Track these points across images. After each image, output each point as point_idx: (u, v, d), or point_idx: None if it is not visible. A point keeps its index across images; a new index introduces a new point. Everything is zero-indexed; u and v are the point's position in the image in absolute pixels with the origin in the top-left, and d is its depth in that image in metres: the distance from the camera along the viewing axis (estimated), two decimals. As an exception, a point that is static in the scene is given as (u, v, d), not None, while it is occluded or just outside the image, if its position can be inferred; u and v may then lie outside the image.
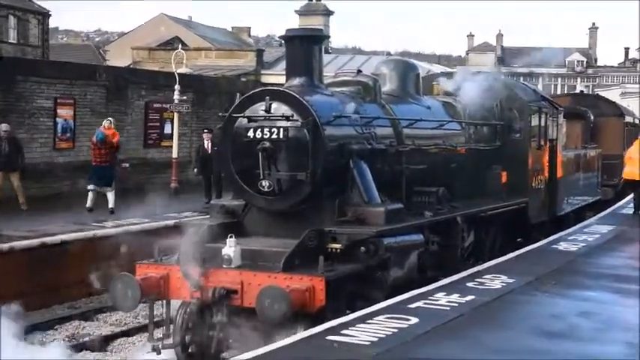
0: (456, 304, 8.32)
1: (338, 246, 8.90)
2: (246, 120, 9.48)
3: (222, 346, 8.80)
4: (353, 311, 8.26)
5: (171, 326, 9.22)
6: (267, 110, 9.31)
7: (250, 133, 9.41)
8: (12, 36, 55.26)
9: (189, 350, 9.17)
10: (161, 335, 9.27)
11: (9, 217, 16.21)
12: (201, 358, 9.04)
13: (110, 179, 18.10)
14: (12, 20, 55.50)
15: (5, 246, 13.62)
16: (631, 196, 19.46)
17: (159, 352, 9.49)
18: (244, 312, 8.55)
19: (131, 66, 36.85)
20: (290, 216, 9.44)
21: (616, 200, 21.36)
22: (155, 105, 24.72)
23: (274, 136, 9.29)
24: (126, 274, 8.95)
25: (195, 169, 20.44)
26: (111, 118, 19.72)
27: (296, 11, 42.05)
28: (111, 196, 17.95)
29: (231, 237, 8.87)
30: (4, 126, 17.99)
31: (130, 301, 8.87)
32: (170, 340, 9.22)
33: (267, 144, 9.25)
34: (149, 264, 9.20)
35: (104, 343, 11.62)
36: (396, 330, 7.21)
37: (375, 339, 6.91)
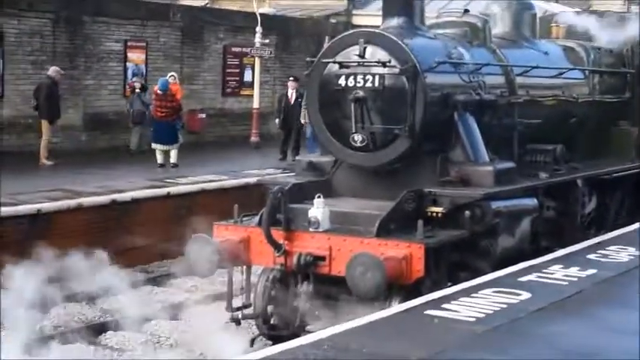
0: (575, 279, 8.18)
1: (439, 209, 8.85)
2: (337, 66, 9.45)
3: (307, 318, 8.90)
4: (455, 284, 8.21)
5: (252, 295, 9.36)
6: (361, 55, 9.26)
7: (341, 81, 9.39)
8: (78, -29, 56.32)
9: (272, 322, 9.32)
10: (240, 304, 9.41)
11: (73, 172, 16.69)
12: (284, 330, 9.16)
13: (173, 137, 18.51)
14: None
15: (73, 202, 14.02)
16: None
17: (238, 323, 9.67)
18: (333, 281, 8.62)
19: (208, 5, 37.05)
20: (385, 175, 9.44)
21: None
22: (234, 49, 24.95)
23: (369, 84, 9.25)
24: (203, 236, 9.10)
25: (277, 121, 20.59)
26: (174, 73, 20.14)
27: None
28: (174, 152, 18.34)
29: (319, 197, 8.90)
30: (57, 67, 18.51)
31: (207, 266, 9.03)
32: (250, 310, 9.38)
33: (361, 93, 9.23)
34: (228, 225, 9.33)
35: (178, 310, 11.86)
36: (504, 306, 7.15)
37: (481, 315, 6.85)
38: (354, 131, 9.29)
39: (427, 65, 9.24)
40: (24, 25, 19.56)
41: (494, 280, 8.13)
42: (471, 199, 8.92)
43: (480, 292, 7.59)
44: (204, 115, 23.60)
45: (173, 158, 18.29)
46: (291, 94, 20.23)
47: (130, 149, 20.41)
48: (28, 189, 14.68)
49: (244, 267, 9.33)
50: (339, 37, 9.84)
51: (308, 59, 10.35)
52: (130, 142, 20.51)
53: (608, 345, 6.37)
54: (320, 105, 9.72)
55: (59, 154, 18.27)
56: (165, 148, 18.37)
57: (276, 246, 8.80)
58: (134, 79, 21.16)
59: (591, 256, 9.24)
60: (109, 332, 11.10)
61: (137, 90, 20.48)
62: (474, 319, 6.75)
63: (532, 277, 8.22)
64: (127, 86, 21.52)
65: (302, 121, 19.37)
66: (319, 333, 6.62)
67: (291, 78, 20.84)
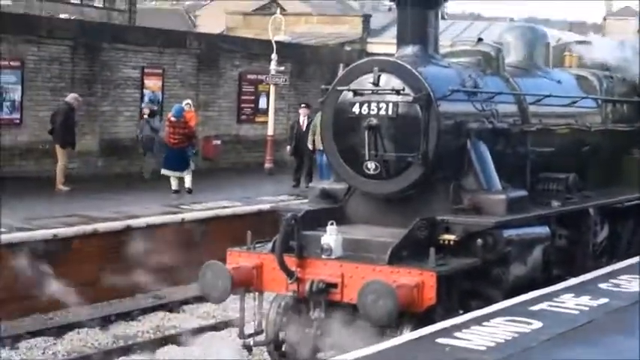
0: (587, 308, 8.13)
1: (452, 237, 8.83)
2: (351, 94, 9.47)
3: (319, 345, 8.85)
4: (467, 312, 8.17)
5: (264, 321, 9.32)
6: (376, 83, 9.28)
7: (356, 109, 9.40)
8: (98, -1, 56.77)
9: (283, 349, 9.26)
10: (252, 331, 9.38)
11: (90, 198, 16.74)
12: (295, 358, 9.11)
13: (185, 164, 18.43)
14: (98, -18, 57.00)
15: (89, 228, 14.05)
16: None
17: (250, 350, 9.65)
18: (345, 308, 8.58)
19: (224, 33, 37.33)
20: (398, 202, 9.41)
21: None
22: (250, 76, 25.04)
23: (382, 112, 9.25)
24: (216, 263, 9.08)
25: (289, 148, 20.57)
26: (189, 101, 20.18)
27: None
28: (188, 178, 18.30)
29: (331, 224, 8.88)
30: (75, 95, 18.52)
31: (219, 292, 9.01)
32: (262, 337, 9.33)
33: (375, 121, 9.22)
34: (241, 252, 9.31)
35: (191, 337, 11.84)
36: (516, 335, 7.11)
37: (493, 344, 6.82)
38: (367, 159, 9.28)
39: (441, 93, 9.24)
40: (43, 51, 19.69)
41: (505, 308, 8.08)
42: (484, 227, 8.89)
43: (491, 320, 7.55)
44: (219, 142, 23.66)
45: (187, 184, 18.27)
46: (303, 120, 20.23)
47: (144, 176, 20.29)
48: (44, 214, 14.73)
49: (257, 293, 9.31)
50: (354, 65, 9.83)
51: (323, 87, 10.37)
52: (143, 170, 20.42)
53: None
54: (334, 132, 9.72)
55: (76, 180, 18.32)
56: (175, 174, 18.32)
57: (289, 273, 8.77)
58: (144, 104, 21.05)
59: (603, 286, 9.19)
60: (121, 358, 11.08)
61: (145, 116, 20.36)
62: (485, 348, 6.72)
63: (544, 305, 8.17)
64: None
65: (310, 147, 19.37)
66: (331, 360, 6.60)
67: (303, 105, 20.85)
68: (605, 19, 66.45)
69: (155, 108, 21.05)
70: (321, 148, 18.49)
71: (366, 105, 9.34)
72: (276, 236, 8.95)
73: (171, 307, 13.56)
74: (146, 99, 21.99)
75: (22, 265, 12.74)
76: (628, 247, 12.25)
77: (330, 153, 9.86)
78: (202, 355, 11.05)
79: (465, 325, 7.40)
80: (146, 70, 22.09)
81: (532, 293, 8.71)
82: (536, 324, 7.45)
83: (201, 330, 12.21)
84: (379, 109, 9.28)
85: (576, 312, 7.99)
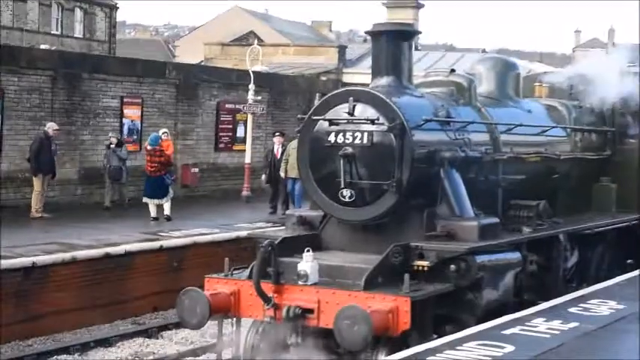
0: (557, 332, 8.16)
1: (425, 263, 8.85)
2: (327, 123, 9.51)
3: (296, 370, 8.84)
4: (441, 336, 8.19)
5: (241, 347, 9.29)
6: (351, 113, 9.32)
7: (331, 138, 9.44)
8: (78, 30, 56.77)
9: (261, 373, 9.25)
10: (230, 356, 9.35)
11: (69, 226, 16.65)
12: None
13: (164, 191, 18.45)
14: (78, 13, 57.02)
15: (67, 255, 13.97)
16: None
17: (228, 376, 9.60)
18: (321, 333, 8.57)
19: (202, 63, 37.35)
20: (373, 229, 9.43)
21: None
22: (227, 105, 25.08)
23: (357, 140, 9.30)
24: (194, 289, 9.05)
25: (264, 177, 20.55)
26: (166, 130, 20.10)
27: (383, 3, 41.94)
28: (167, 205, 18.31)
29: (308, 251, 8.89)
30: (55, 125, 18.39)
31: (197, 319, 8.98)
32: (240, 363, 9.31)
33: (350, 149, 9.26)
34: (219, 278, 9.29)
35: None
36: (489, 358, 7.13)
37: (466, 368, 6.85)
38: (342, 186, 9.29)
39: (414, 123, 9.29)
40: (24, 82, 19.63)
41: (478, 332, 8.10)
42: (457, 253, 8.91)
43: (464, 344, 7.57)
44: (197, 170, 23.64)
45: (166, 211, 18.28)
46: (277, 149, 20.24)
47: (105, 206, 19.86)
48: (23, 242, 14.64)
49: (234, 319, 9.28)
50: (330, 94, 9.87)
51: (299, 116, 10.41)
52: (105, 199, 20.02)
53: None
54: (310, 161, 9.75)
55: (55, 208, 18.24)
56: (156, 202, 18.33)
57: (266, 299, 8.77)
58: (110, 134, 20.58)
59: (573, 310, 9.23)
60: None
61: (112, 145, 19.98)
62: (459, 372, 6.74)
63: (515, 330, 8.20)
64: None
65: (281, 175, 19.43)
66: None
67: (277, 133, 20.89)
68: (574, 50, 67.06)
69: (120, 137, 20.69)
70: (293, 176, 18.66)
71: (341, 134, 9.38)
72: (254, 263, 8.97)
73: (150, 333, 13.48)
74: (125, 128, 21.96)
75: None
76: (597, 272, 12.32)
77: (307, 181, 9.87)
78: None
79: (439, 349, 7.41)
80: (125, 100, 22.07)
81: (504, 318, 8.73)
82: (509, 347, 7.47)
83: (180, 356, 12.14)
84: (354, 138, 9.32)
85: (548, 336, 8.02)
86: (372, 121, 9.21)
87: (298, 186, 18.66)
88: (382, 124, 9.19)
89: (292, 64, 37.75)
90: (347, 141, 9.33)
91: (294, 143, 19.27)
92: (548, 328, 8.28)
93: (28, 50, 24.38)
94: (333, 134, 9.44)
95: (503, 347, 7.47)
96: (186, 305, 8.98)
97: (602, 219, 12.42)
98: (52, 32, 54.19)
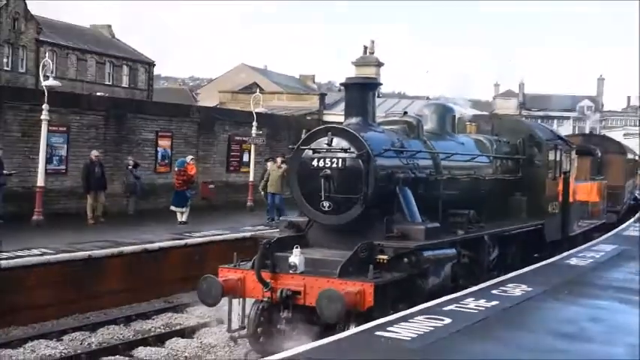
0: (483, 308, 8.16)
1: (385, 257, 8.83)
2: (311, 151, 9.50)
3: (287, 337, 8.76)
4: (396, 312, 8.15)
5: (246, 320, 9.22)
6: (329, 144, 9.32)
7: (315, 162, 9.42)
8: (125, 81, 56.68)
9: (260, 340, 9.16)
10: (237, 327, 9.27)
11: (118, 228, 16.51)
12: (268, 347, 9.01)
13: (184, 202, 18.29)
14: (125, 68, 56.95)
15: (115, 250, 13.84)
16: (631, 220, 18.93)
17: (235, 341, 9.51)
18: (306, 310, 8.52)
19: (218, 106, 37.23)
20: (345, 231, 9.39)
21: (619, 223, 20.85)
22: (236, 138, 24.99)
23: (334, 165, 9.29)
24: (210, 276, 8.99)
25: (262, 190, 20.42)
26: (192, 156, 19.88)
27: (352, 62, 41.97)
28: (185, 214, 18.20)
29: (296, 247, 8.86)
30: (96, 152, 18.13)
31: (213, 298, 8.92)
32: (245, 332, 9.22)
33: (329, 171, 9.25)
34: (229, 268, 9.23)
35: (191, 332, 11.66)
36: (432, 328, 7.10)
37: (415, 335, 6.81)
38: (322, 199, 9.29)
39: (377, 151, 9.30)
40: (84, 120, 19.48)
41: (425, 309, 8.09)
42: (409, 249, 8.91)
43: (414, 318, 7.55)
44: (213, 186, 23.52)
45: (184, 217, 18.17)
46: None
47: (129, 213, 19.45)
48: (82, 240, 14.49)
49: (241, 299, 9.21)
50: (313, 130, 9.84)
51: (290, 146, 10.36)
52: (128, 208, 19.66)
53: (507, 357, 6.33)
54: (298, 180, 9.72)
55: (107, 215, 18.05)
56: (178, 210, 18.23)
57: (265, 284, 8.73)
58: (129, 158, 20.05)
59: (495, 291, 9.24)
60: (139, 347, 10.87)
61: (130, 167, 19.65)
62: (410, 338, 6.70)
63: (452, 307, 8.19)
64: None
65: (260, 190, 19.40)
66: (296, 349, 6.53)
67: (269, 159, 20.79)
68: (494, 98, 67.41)
69: (137, 161, 20.11)
70: (272, 191, 18.70)
71: (322, 160, 9.37)
72: (255, 256, 8.92)
73: (177, 309, 13.34)
74: (159, 154, 21.83)
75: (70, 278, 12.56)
76: (512, 263, 12.34)
77: (296, 194, 9.84)
78: (200, 345, 10.86)
79: (395, 321, 7.40)
80: (159, 133, 21.94)
81: (444, 298, 8.73)
82: (447, 320, 7.46)
83: (199, 326, 12.03)
84: (332, 162, 9.30)
85: (476, 311, 8.02)
86: (345, 150, 9.21)
87: (277, 198, 18.84)
88: (353, 152, 9.18)
89: (285, 107, 37.69)
90: (326, 165, 9.32)
91: (272, 165, 19.33)
92: (477, 305, 8.28)
93: (88, 97, 24.26)
94: (315, 160, 9.43)
95: (443, 320, 7.46)
96: (204, 288, 8.93)
97: (516, 223, 12.45)
98: (105, 83, 54.01)
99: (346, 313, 7.94)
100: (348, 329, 7.69)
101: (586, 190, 18.05)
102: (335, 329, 7.91)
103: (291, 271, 8.68)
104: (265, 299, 8.85)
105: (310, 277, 8.57)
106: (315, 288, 8.34)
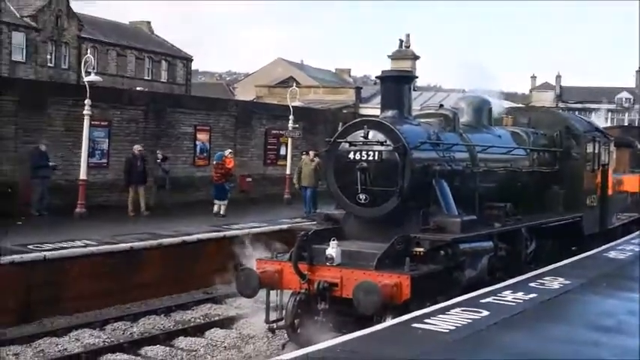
0: (521, 301, 8.07)
1: (421, 249, 8.79)
2: (347, 144, 9.48)
3: (324, 329, 8.77)
4: (433, 304, 8.10)
5: (284, 311, 9.26)
6: (365, 137, 9.29)
7: (351, 155, 9.40)
8: (163, 76, 57.21)
9: (298, 331, 9.19)
10: (275, 318, 9.31)
11: (157, 221, 16.69)
12: (306, 338, 9.03)
13: (224, 194, 18.36)
14: (164, 64, 57.47)
15: (155, 242, 14.00)
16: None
17: (273, 332, 9.56)
18: (343, 301, 8.52)
19: (254, 100, 37.39)
20: (382, 224, 9.36)
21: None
22: (273, 131, 25.06)
23: (370, 157, 9.26)
24: (248, 268, 9.05)
25: (296, 183, 20.43)
26: (230, 150, 19.86)
27: (388, 56, 41.74)
28: (223, 206, 18.25)
29: (333, 240, 8.87)
30: (138, 146, 18.29)
31: (251, 290, 8.97)
32: (282, 323, 9.27)
33: (365, 164, 9.22)
34: (267, 260, 9.28)
35: (230, 322, 11.75)
36: (470, 321, 7.05)
37: (453, 327, 6.76)
38: (359, 192, 9.27)
39: (413, 144, 9.25)
40: (125, 115, 19.72)
41: (461, 301, 8.02)
42: (445, 241, 8.85)
43: (451, 310, 7.49)
44: (251, 179, 23.63)
45: (223, 210, 18.25)
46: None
47: (150, 205, 18.97)
48: (123, 232, 14.68)
49: (278, 291, 9.25)
50: (349, 123, 9.83)
51: (326, 139, 10.35)
52: (149, 201, 19.13)
53: (546, 349, 6.26)
54: (335, 173, 9.70)
55: (148, 208, 18.22)
56: (218, 202, 18.29)
57: (302, 276, 8.74)
58: (158, 151, 20.04)
59: (532, 284, 9.13)
60: (180, 337, 10.99)
61: (159, 160, 19.68)
62: (447, 331, 6.66)
63: (490, 299, 8.12)
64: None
65: (295, 184, 19.35)
66: (333, 340, 6.53)
67: (305, 152, 20.76)
68: (530, 91, 66.51)
69: (165, 155, 20.10)
70: (305, 184, 18.68)
71: (358, 153, 9.34)
72: (293, 249, 8.94)
73: (216, 299, 13.46)
74: (198, 148, 22.00)
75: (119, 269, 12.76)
76: (549, 256, 12.18)
77: (332, 188, 9.83)
78: (239, 335, 10.94)
79: (433, 313, 7.35)
80: (198, 127, 22.11)
81: (481, 290, 8.65)
82: (485, 312, 7.39)
83: (238, 317, 12.11)
84: (368, 155, 9.27)
85: (514, 304, 7.93)
86: (382, 143, 9.17)
87: (309, 191, 18.79)
88: (389, 145, 9.14)
89: (321, 100, 37.69)
90: (362, 158, 9.29)
91: (305, 159, 19.31)
92: (514, 298, 8.19)
93: (128, 92, 24.54)
94: (352, 153, 9.40)
95: (480, 312, 7.40)
96: (242, 280, 8.99)
97: (553, 216, 12.29)
98: (145, 78, 54.56)
99: (383, 305, 7.92)
100: (384, 322, 7.67)
101: (634, 182, 17.79)
102: (372, 321, 7.89)
103: (327, 263, 8.69)
104: (302, 291, 8.87)
105: (347, 269, 8.57)
106: (352, 280, 8.33)
